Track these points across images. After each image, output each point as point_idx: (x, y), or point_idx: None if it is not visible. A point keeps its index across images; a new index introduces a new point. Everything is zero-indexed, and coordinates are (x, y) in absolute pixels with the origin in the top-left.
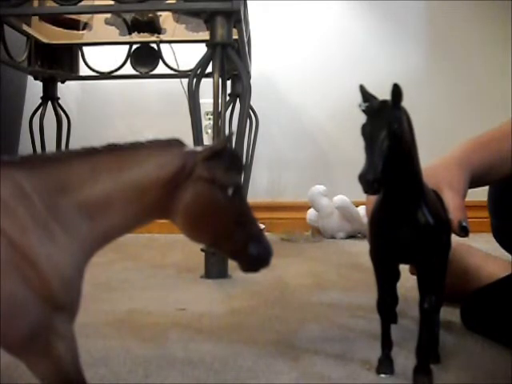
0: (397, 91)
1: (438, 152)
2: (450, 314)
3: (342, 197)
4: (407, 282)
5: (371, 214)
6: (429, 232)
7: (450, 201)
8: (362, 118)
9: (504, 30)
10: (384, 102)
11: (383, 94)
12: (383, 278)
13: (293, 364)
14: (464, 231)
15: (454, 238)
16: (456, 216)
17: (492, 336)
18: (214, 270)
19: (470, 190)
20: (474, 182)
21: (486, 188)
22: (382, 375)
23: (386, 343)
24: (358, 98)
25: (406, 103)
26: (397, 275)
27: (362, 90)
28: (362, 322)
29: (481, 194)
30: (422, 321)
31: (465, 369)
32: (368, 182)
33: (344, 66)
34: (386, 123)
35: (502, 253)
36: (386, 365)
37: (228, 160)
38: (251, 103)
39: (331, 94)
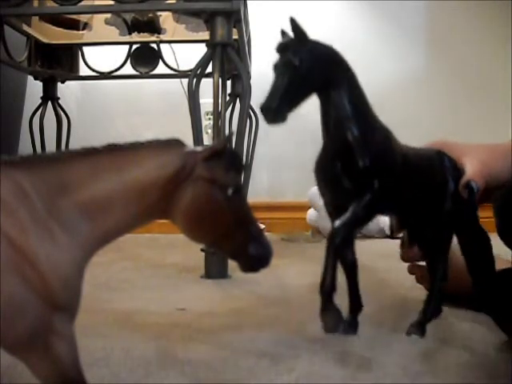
0: (294, 26)
1: None
2: (450, 314)
3: None
4: (407, 281)
5: (315, 163)
6: (359, 174)
7: (469, 165)
8: None
9: (504, 29)
10: (290, 39)
11: (383, 93)
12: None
13: (293, 364)
14: (469, 189)
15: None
16: (467, 177)
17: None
18: (214, 270)
19: None
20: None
21: None
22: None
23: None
24: None
25: (406, 102)
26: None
27: (282, 33)
28: (362, 322)
29: None
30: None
31: (465, 369)
32: (267, 110)
33: None
34: (285, 57)
35: (506, 251)
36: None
37: (228, 160)
38: (251, 103)
39: None
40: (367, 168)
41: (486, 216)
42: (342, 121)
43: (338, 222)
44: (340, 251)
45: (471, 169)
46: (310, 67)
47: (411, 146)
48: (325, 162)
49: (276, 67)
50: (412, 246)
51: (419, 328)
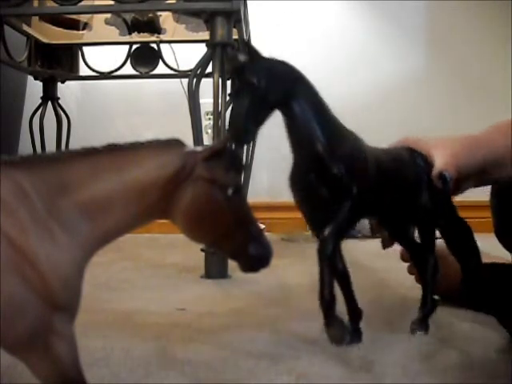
0: (247, 46)
1: None
2: (450, 314)
3: None
4: (407, 281)
5: (289, 178)
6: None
7: (439, 156)
8: (362, 118)
9: (504, 29)
10: (244, 59)
11: (383, 93)
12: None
13: (293, 364)
14: (442, 179)
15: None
16: (438, 167)
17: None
18: (214, 270)
19: (470, 191)
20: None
21: (489, 187)
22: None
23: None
24: (358, 97)
25: (406, 102)
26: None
27: (234, 56)
28: (362, 322)
29: (481, 193)
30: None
31: (465, 369)
32: (235, 133)
33: (344, 65)
34: (242, 78)
35: (504, 253)
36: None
37: (228, 160)
38: None
39: (331, 94)
40: (342, 174)
41: (482, 216)
42: (309, 132)
43: (324, 233)
44: (333, 260)
45: (442, 159)
46: (269, 84)
47: (381, 148)
48: (299, 174)
49: (234, 90)
50: (393, 242)
51: (422, 324)
